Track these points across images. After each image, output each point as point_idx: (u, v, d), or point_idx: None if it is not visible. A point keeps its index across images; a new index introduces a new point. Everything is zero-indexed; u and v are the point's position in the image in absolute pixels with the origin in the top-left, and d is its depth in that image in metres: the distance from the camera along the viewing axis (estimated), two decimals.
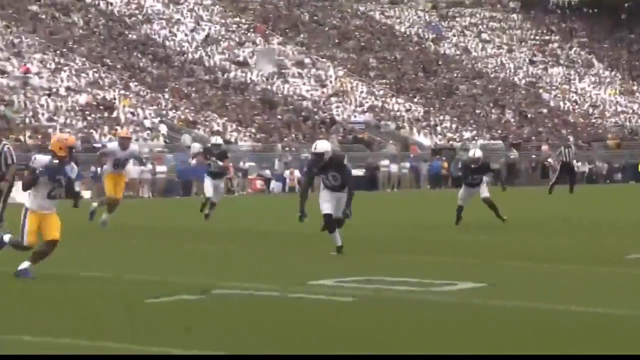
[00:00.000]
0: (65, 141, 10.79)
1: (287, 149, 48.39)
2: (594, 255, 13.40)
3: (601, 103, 67.07)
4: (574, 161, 36.17)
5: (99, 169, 18.64)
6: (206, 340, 7.27)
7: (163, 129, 47.17)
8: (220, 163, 20.10)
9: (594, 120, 64.28)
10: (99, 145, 43.68)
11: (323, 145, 13.55)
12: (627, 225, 18.61)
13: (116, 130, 45.56)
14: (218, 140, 21.20)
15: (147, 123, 47.37)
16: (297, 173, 44.07)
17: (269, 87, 57.04)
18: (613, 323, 7.99)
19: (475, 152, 19.74)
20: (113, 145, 18.73)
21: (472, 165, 19.34)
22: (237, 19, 64.84)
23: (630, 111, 66.39)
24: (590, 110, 65.82)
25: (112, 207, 18.01)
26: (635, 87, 70.18)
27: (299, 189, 45.73)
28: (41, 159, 10.55)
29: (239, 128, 50.12)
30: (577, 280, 10.80)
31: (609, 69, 72.42)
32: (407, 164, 47.92)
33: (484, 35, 73.70)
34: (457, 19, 75.45)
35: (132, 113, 47.98)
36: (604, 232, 17.12)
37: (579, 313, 8.48)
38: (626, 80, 71.11)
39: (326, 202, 13.29)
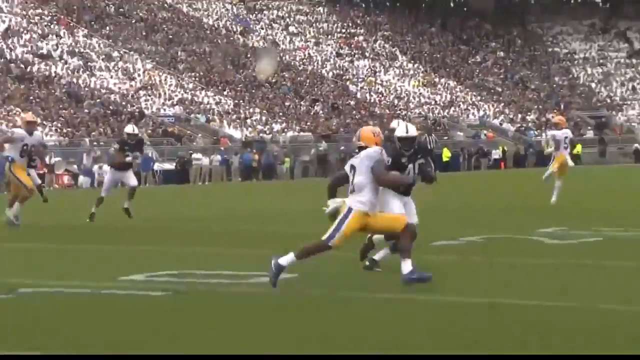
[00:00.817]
0: (380, 135, 9.65)
1: (95, 143, 47.44)
2: None
3: (405, 95, 68.91)
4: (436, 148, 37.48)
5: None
6: (15, 341, 7.05)
7: None
8: (138, 154, 18.57)
9: (399, 112, 65.97)
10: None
11: (414, 128, 10.90)
12: (432, 213, 19.17)
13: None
14: (135, 129, 19.11)
15: None
16: (105, 167, 43.28)
17: (74, 80, 55.74)
18: (415, 308, 8.24)
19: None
20: (20, 131, 17.49)
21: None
22: (40, 11, 63.03)
23: (433, 102, 68.52)
24: (396, 102, 67.52)
25: (24, 198, 17.23)
26: (437, 79, 72.44)
27: None
28: (375, 149, 9.37)
29: (44, 122, 48.77)
30: (386, 267, 11.04)
31: (412, 61, 74.47)
32: (218, 157, 47.89)
33: (292, 28, 74.40)
34: (265, 12, 75.87)
35: None
36: None
37: (384, 300, 8.69)
38: (428, 72, 73.32)
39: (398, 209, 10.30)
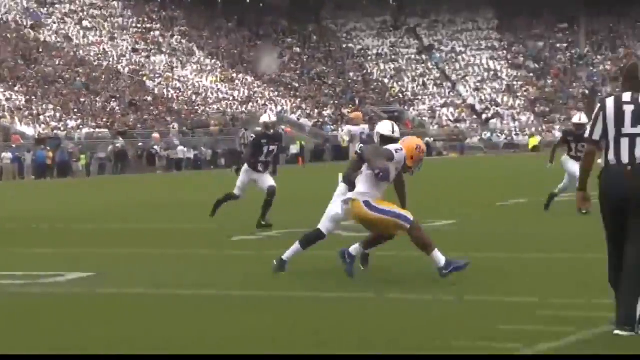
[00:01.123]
0: (422, 151, 9.39)
1: None
2: (202, 238, 13.70)
3: (203, 90, 68.73)
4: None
5: None
6: None
7: None
8: None
9: (197, 108, 65.73)
10: None
11: (398, 130, 9.90)
12: (233, 208, 19.21)
13: None
14: None
15: None
16: None
17: None
18: (240, 302, 8.24)
19: (271, 116, 15.57)
20: None
21: (270, 132, 14.88)
22: None
23: (231, 98, 68.65)
24: (194, 98, 67.25)
25: None
26: (234, 75, 72.59)
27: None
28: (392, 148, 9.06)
29: None
30: (183, 263, 10.99)
31: (210, 57, 74.33)
32: (10, 155, 46.35)
33: (85, 23, 72.83)
34: (57, 6, 73.95)
35: None
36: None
37: (195, 296, 8.66)
38: (226, 68, 73.38)
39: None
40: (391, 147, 9.14)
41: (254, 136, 15.07)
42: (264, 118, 15.31)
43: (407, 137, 9.65)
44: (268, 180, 14.75)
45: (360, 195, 8.98)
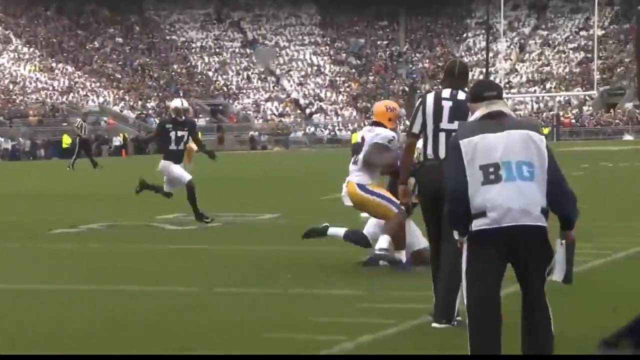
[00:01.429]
0: (394, 110, 9.30)
1: None
2: (19, 231, 13.32)
3: (21, 80, 66.76)
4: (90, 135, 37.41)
5: None
6: None
7: None
8: None
9: (14, 97, 63.79)
10: None
11: None
12: (51, 200, 18.75)
13: None
14: None
15: None
16: None
17: None
18: (32, 298, 8.05)
19: (183, 102, 14.42)
20: None
21: (180, 118, 13.91)
22: None
23: (51, 88, 66.94)
24: (11, 87, 65.24)
25: None
26: (54, 64, 70.81)
27: None
28: (388, 134, 9.15)
29: None
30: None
31: (27, 45, 72.24)
32: None
33: None
34: None
35: None
36: (28, 208, 17.07)
37: (6, 290, 8.42)
38: (45, 57, 71.48)
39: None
40: (385, 136, 9.18)
41: (156, 121, 14.47)
42: (175, 103, 14.31)
43: (374, 106, 9.82)
44: (181, 180, 13.96)
45: (355, 179, 9.38)
